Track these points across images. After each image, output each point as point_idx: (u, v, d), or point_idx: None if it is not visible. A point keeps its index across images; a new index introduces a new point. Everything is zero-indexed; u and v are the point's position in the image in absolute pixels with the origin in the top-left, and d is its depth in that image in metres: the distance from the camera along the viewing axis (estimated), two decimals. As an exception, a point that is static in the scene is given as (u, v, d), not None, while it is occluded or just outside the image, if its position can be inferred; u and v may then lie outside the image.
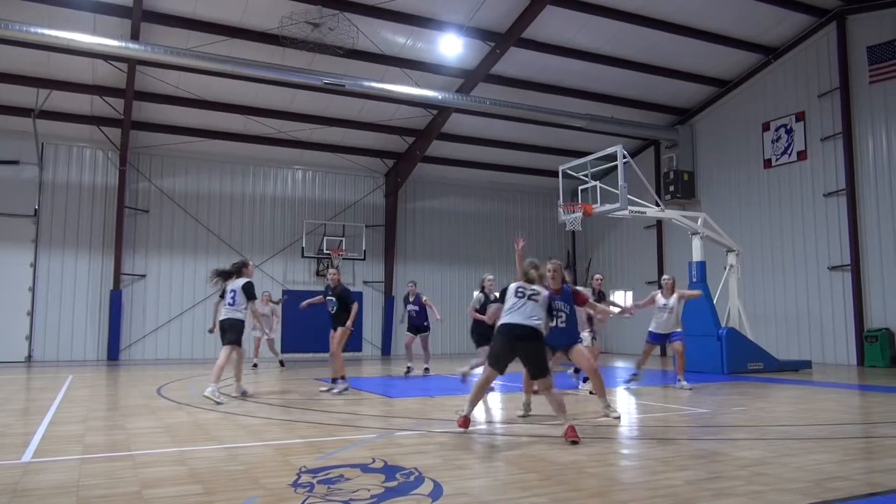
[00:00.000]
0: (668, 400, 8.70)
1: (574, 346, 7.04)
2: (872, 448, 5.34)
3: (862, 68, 15.86)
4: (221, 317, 9.05)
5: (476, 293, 10.49)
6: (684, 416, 7.26)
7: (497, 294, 7.10)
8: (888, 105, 15.38)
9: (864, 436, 5.84)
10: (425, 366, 13.21)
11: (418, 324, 13.26)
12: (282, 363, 15.46)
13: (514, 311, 5.97)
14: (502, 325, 5.99)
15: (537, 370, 5.88)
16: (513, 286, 6.20)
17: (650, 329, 10.44)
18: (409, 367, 13.11)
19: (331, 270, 10.42)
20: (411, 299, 13.32)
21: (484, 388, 6.21)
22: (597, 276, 11.39)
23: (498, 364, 6.01)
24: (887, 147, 15.42)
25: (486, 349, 9.18)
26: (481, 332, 9.93)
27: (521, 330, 5.88)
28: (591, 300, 7.15)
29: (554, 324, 6.89)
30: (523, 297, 6.02)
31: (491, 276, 11.17)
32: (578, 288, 7.17)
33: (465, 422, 6.11)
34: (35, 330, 17.84)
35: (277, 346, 15.68)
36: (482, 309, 9.99)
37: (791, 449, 5.28)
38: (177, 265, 19.53)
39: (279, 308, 15.98)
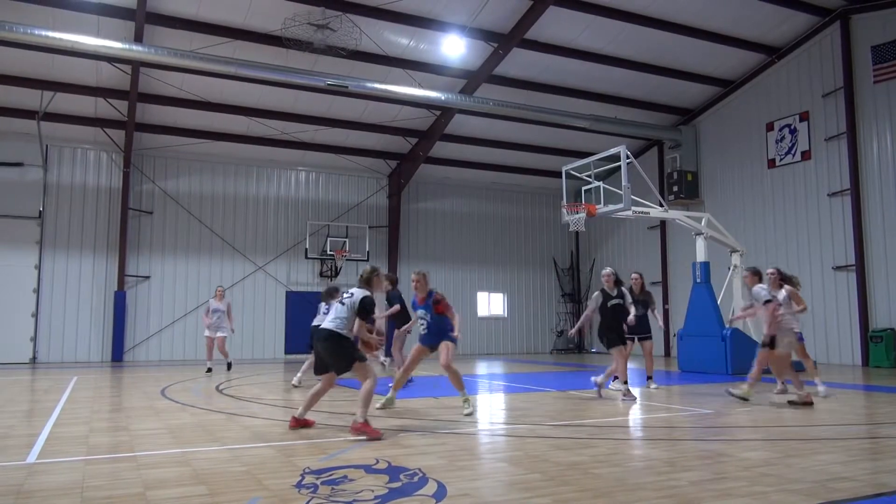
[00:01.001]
0: (671, 400, 8.68)
1: (440, 343, 7.31)
2: (877, 449, 5.32)
3: (866, 68, 15.82)
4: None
5: (595, 293, 9.11)
6: (689, 417, 7.24)
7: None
8: (892, 104, 15.33)
9: (869, 436, 5.82)
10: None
11: None
12: (229, 366, 14.21)
13: (327, 316, 6.25)
14: None
15: (338, 367, 6.06)
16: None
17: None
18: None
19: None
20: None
21: (320, 396, 6.32)
22: (634, 274, 10.27)
23: (319, 369, 6.25)
24: (892, 147, 15.37)
25: (619, 349, 8.70)
26: (610, 334, 8.92)
27: (318, 332, 6.16)
28: (451, 310, 7.33)
29: (422, 330, 7.35)
30: (340, 301, 6.21)
31: (609, 270, 9.50)
32: (440, 298, 7.31)
33: (296, 423, 6.20)
34: (39, 331, 17.89)
35: (228, 346, 14.18)
36: (601, 309, 9.03)
37: (795, 450, 5.26)
38: (181, 266, 19.57)
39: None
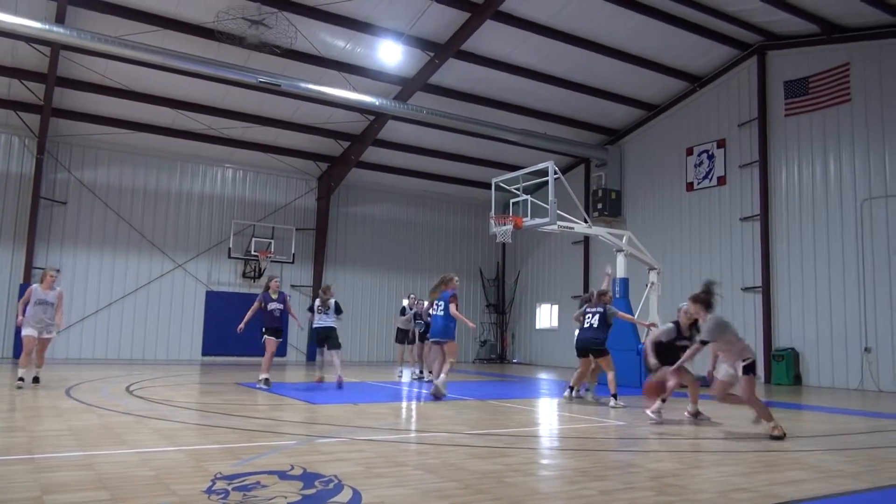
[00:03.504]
0: (587, 412, 8.92)
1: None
2: (774, 461, 5.62)
3: (779, 101, 16.77)
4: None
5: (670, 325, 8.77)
6: (603, 428, 7.46)
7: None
8: (801, 137, 16.30)
9: (767, 450, 6.14)
10: (265, 377, 11.05)
11: (278, 326, 11.20)
12: (37, 379, 10.49)
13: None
14: None
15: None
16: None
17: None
18: (266, 378, 11.07)
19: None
20: (275, 296, 11.15)
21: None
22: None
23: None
24: (798, 177, 16.33)
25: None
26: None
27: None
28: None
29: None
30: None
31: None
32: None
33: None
34: (-68, 324, 16.71)
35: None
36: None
37: (700, 461, 5.51)
38: (94, 260, 18.71)
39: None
